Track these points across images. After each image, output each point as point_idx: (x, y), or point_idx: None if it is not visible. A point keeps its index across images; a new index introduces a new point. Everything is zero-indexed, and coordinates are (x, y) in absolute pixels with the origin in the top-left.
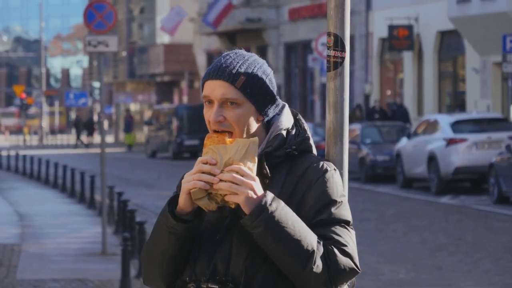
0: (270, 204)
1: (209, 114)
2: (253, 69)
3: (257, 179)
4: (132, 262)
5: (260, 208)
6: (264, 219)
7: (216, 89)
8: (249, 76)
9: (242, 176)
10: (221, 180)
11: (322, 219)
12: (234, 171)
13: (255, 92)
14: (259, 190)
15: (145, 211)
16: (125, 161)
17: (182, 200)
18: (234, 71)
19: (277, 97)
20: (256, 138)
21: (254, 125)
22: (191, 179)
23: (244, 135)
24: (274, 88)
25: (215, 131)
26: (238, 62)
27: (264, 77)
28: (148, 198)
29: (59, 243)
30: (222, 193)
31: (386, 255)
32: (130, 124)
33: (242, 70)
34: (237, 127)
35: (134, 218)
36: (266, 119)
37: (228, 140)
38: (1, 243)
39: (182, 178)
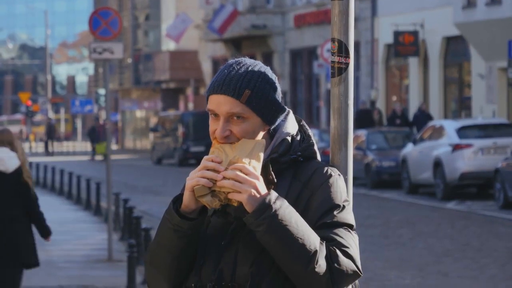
0: (274, 202)
1: (215, 127)
2: (258, 81)
3: (261, 178)
4: (138, 269)
5: (264, 206)
6: (267, 217)
7: (221, 104)
8: (254, 89)
9: (246, 174)
10: (224, 178)
11: (325, 222)
12: (238, 169)
13: (261, 105)
14: (263, 189)
15: (151, 217)
16: (130, 168)
17: (186, 197)
18: (238, 85)
19: (283, 104)
20: (263, 140)
21: (260, 135)
22: (195, 176)
23: None
24: (279, 95)
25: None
26: (241, 75)
27: (268, 87)
28: (154, 204)
29: (65, 250)
30: (225, 190)
31: (392, 261)
32: (99, 135)
33: (246, 84)
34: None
35: (140, 224)
36: (273, 127)
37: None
38: None
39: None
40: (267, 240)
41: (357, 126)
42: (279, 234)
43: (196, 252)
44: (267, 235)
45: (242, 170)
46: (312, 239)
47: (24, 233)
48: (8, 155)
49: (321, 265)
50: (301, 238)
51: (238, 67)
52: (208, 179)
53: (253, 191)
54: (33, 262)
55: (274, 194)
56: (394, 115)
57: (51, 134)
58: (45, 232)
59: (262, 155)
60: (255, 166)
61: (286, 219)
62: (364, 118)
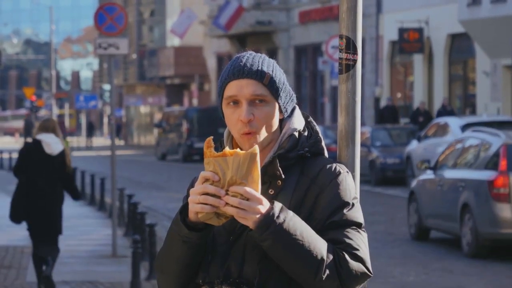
0: (278, 217)
1: (236, 116)
2: (273, 67)
3: (263, 199)
4: (142, 264)
5: (267, 221)
6: (272, 232)
7: (244, 87)
8: (273, 73)
9: (248, 199)
10: (227, 203)
11: (334, 220)
12: (239, 193)
13: (280, 89)
14: (266, 209)
15: (155, 213)
16: (135, 164)
17: (192, 216)
18: (259, 69)
19: (292, 92)
20: (256, 148)
21: (276, 123)
22: (197, 200)
23: (266, 134)
24: (288, 84)
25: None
26: (259, 61)
27: (282, 74)
28: (158, 200)
29: (70, 246)
30: (230, 214)
31: (396, 258)
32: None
33: (266, 68)
34: (264, 126)
35: (144, 220)
36: (286, 115)
37: (228, 151)
38: (11, 245)
39: (192, 183)
40: (274, 253)
41: (382, 122)
42: (284, 247)
43: (205, 257)
44: (274, 249)
45: (244, 195)
46: (318, 248)
47: (62, 206)
48: (53, 140)
49: (329, 273)
50: (307, 249)
51: (252, 56)
52: (211, 205)
53: (257, 216)
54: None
55: (277, 207)
56: (418, 112)
57: (30, 131)
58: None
59: (259, 165)
60: (255, 180)
61: (291, 232)
62: (389, 115)
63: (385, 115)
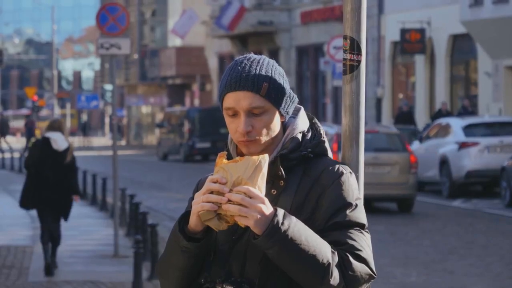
0: (282, 223)
1: (236, 125)
2: (272, 73)
3: (266, 199)
4: (144, 265)
5: (273, 229)
6: (278, 239)
7: (241, 100)
8: (271, 81)
9: (251, 197)
10: (230, 201)
11: (337, 221)
12: (242, 192)
13: (278, 96)
14: (268, 210)
15: (157, 213)
16: (136, 164)
17: (193, 221)
18: (256, 79)
19: (293, 93)
20: (266, 155)
21: (277, 128)
22: (200, 200)
23: (267, 139)
24: (288, 85)
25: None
26: (256, 69)
27: (281, 78)
28: (160, 200)
29: (71, 245)
30: (231, 214)
31: (398, 258)
32: (31, 130)
33: (264, 77)
34: (264, 135)
35: (146, 220)
36: (287, 117)
37: (239, 158)
38: (13, 245)
39: (198, 184)
40: (280, 260)
41: (398, 124)
42: (291, 253)
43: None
44: (280, 256)
45: (247, 193)
46: (323, 251)
47: (67, 195)
48: (60, 138)
49: (336, 277)
50: (313, 254)
51: (250, 62)
52: (213, 202)
53: (259, 216)
54: (68, 216)
55: (281, 214)
56: (440, 113)
57: (4, 130)
58: (77, 193)
59: (266, 171)
60: (259, 185)
61: (296, 238)
62: (405, 119)
63: (401, 119)
